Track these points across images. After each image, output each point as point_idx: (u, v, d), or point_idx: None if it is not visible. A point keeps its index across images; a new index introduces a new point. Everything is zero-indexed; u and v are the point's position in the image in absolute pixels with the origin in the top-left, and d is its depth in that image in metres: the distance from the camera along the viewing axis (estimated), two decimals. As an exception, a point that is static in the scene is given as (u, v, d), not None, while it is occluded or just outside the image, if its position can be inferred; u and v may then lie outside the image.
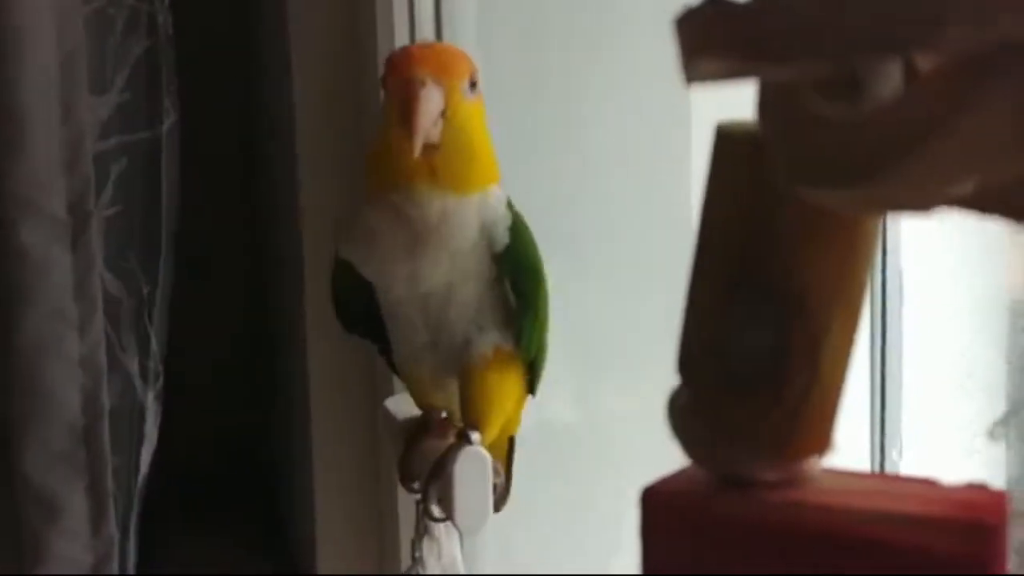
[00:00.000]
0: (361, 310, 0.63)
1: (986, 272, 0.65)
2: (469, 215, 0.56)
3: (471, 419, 0.60)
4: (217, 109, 1.07)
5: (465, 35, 0.73)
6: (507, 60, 0.72)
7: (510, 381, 0.60)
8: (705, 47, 0.21)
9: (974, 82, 0.19)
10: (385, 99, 0.55)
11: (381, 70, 0.58)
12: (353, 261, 0.59)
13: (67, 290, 0.76)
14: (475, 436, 0.59)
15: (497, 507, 0.63)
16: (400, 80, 0.53)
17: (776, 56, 0.20)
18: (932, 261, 0.66)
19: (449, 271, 0.56)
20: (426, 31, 0.75)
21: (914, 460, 0.68)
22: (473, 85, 0.55)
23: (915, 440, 0.68)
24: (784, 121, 0.23)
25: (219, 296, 1.12)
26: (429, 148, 0.54)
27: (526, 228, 0.59)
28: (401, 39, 0.74)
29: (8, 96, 0.73)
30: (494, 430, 0.61)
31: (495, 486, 0.59)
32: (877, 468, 0.68)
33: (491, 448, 0.61)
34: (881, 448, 0.68)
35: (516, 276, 0.58)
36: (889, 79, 0.20)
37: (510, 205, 0.58)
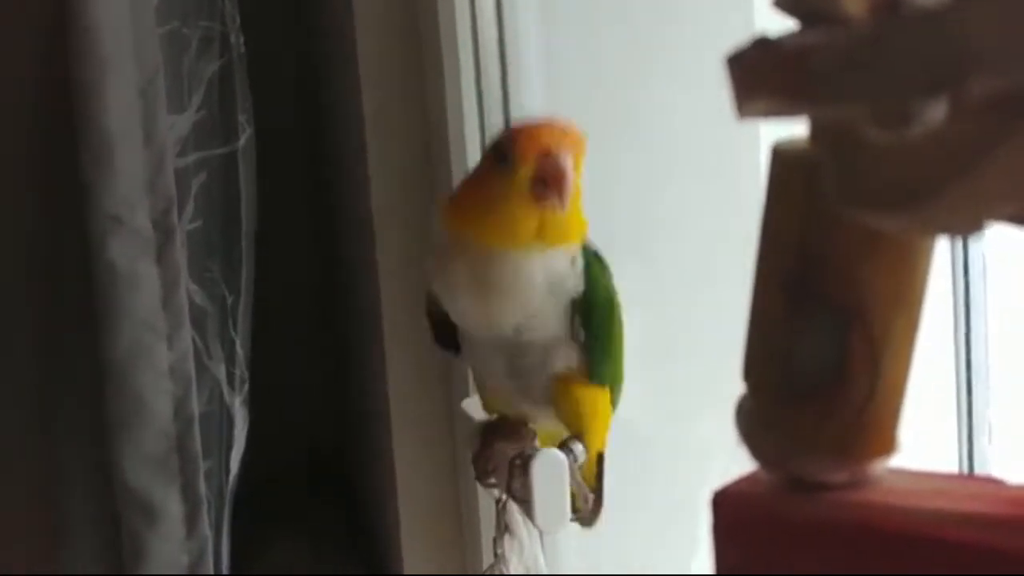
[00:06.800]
0: (453, 334, 0.66)
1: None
2: (537, 273, 0.59)
3: (573, 431, 0.62)
4: (288, 123, 1.10)
5: (528, 41, 0.74)
6: (572, 63, 0.73)
7: (596, 393, 0.62)
8: (754, 88, 0.22)
9: (1012, 112, 0.20)
10: (503, 172, 0.57)
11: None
12: (438, 293, 0.63)
13: (155, 302, 0.79)
14: (578, 448, 0.61)
15: (590, 523, 0.66)
16: (543, 152, 0.56)
17: (821, 97, 0.21)
18: (1017, 241, 0.65)
19: (519, 320, 0.59)
20: (488, 33, 0.76)
21: (1006, 447, 0.67)
22: None
23: (1007, 426, 0.67)
24: (835, 146, 0.24)
25: (296, 301, 1.15)
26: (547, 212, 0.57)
27: (599, 269, 0.61)
28: (465, 44, 0.75)
29: (96, 120, 0.76)
30: (596, 438, 0.63)
31: (587, 500, 0.61)
32: (966, 456, 0.67)
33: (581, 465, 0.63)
34: (969, 436, 0.67)
35: (585, 316, 0.60)
36: (937, 107, 0.21)
37: (586, 248, 0.60)
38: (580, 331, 0.60)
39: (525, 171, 0.56)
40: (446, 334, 0.66)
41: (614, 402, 0.64)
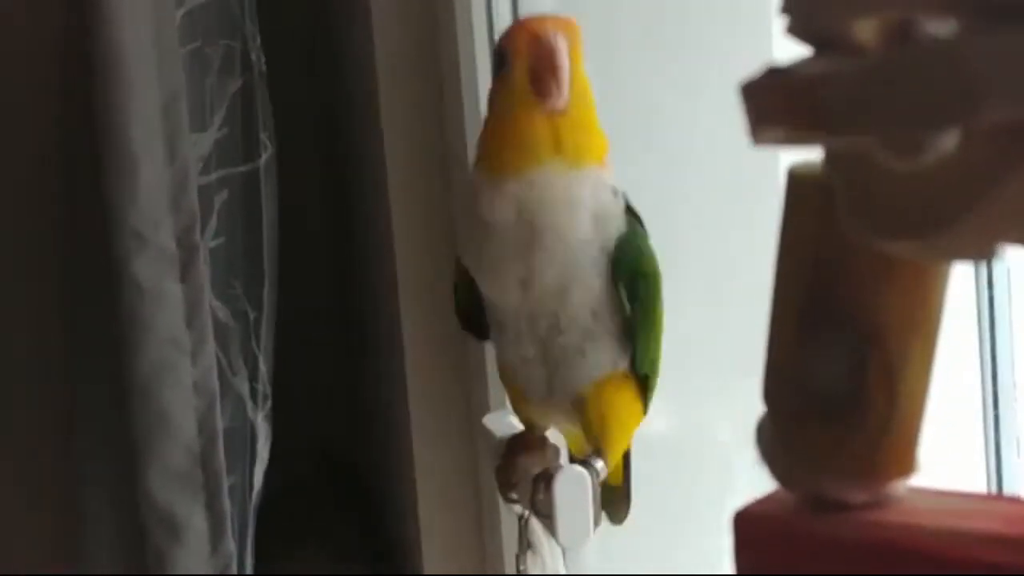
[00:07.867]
0: (479, 318, 0.63)
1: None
2: (585, 194, 0.55)
3: (593, 445, 0.60)
4: (308, 140, 1.11)
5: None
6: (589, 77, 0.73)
7: (628, 400, 0.59)
8: (766, 116, 0.23)
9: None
10: (504, 80, 0.55)
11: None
12: (468, 265, 0.59)
13: (179, 319, 0.80)
14: (599, 464, 0.59)
15: (620, 520, 0.65)
16: (532, 38, 0.53)
17: (832, 128, 0.22)
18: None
19: (563, 271, 0.56)
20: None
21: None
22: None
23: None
24: (848, 173, 0.24)
25: (316, 315, 1.16)
26: (556, 116, 0.54)
27: (641, 220, 0.58)
28: (482, 53, 0.76)
29: (119, 138, 0.77)
30: (618, 453, 0.60)
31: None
32: (994, 471, 0.66)
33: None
34: (997, 450, 0.66)
35: (632, 279, 0.57)
36: (949, 137, 0.21)
37: (620, 194, 0.57)
38: (626, 304, 0.56)
39: (521, 65, 0.53)
40: (473, 317, 0.62)
41: (646, 403, 0.60)
